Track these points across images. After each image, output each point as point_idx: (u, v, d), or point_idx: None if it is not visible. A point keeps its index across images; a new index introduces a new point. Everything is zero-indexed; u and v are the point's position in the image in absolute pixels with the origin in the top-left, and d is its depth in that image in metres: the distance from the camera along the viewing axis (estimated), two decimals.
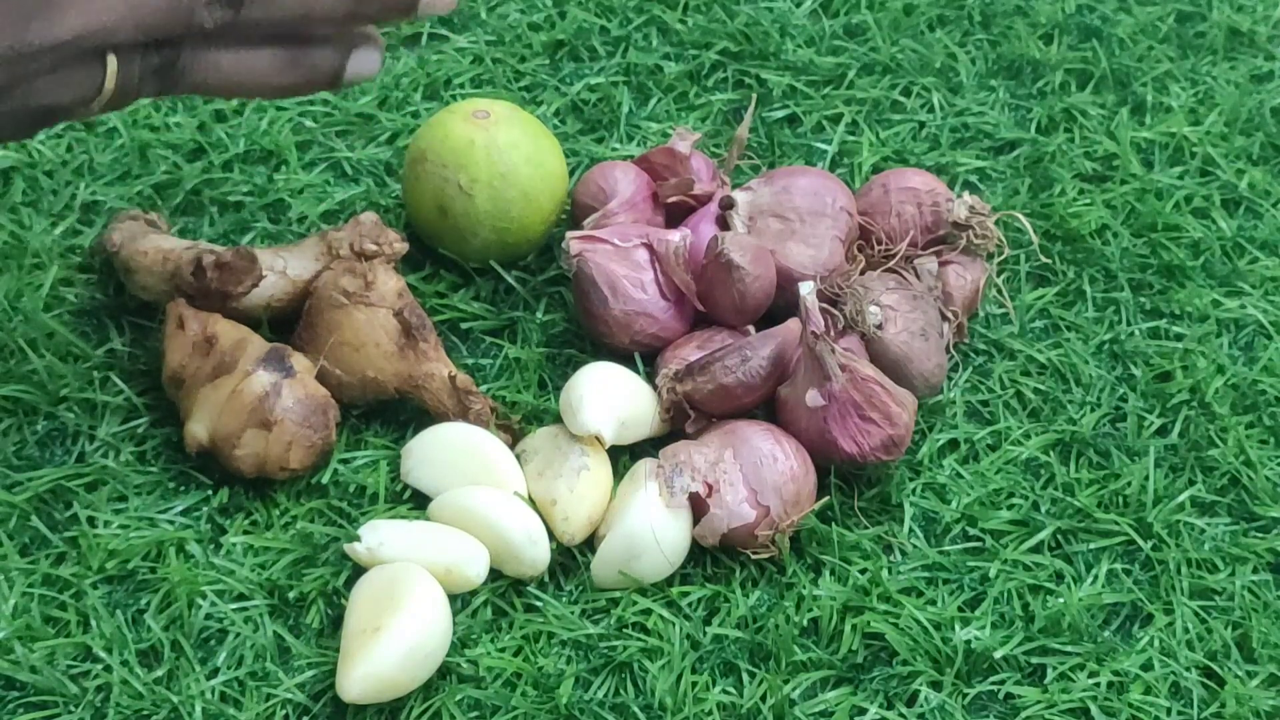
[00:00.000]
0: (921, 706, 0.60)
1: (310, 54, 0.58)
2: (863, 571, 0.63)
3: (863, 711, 0.60)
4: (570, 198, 0.74)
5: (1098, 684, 0.61)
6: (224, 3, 0.54)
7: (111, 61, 0.54)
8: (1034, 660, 0.61)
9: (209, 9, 0.54)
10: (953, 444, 0.69)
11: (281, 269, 0.68)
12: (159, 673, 0.59)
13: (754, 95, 0.83)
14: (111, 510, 0.64)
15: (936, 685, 0.60)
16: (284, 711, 0.58)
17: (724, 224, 0.72)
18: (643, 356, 0.70)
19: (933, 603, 0.63)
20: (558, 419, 0.66)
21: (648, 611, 0.62)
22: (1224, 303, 0.76)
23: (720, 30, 0.87)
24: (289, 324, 0.68)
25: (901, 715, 0.59)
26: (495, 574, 0.62)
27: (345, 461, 0.66)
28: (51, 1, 0.51)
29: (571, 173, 0.78)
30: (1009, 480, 0.68)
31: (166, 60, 0.55)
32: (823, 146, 0.82)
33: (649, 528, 0.61)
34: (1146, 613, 0.64)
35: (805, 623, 0.62)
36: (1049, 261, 0.77)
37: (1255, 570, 0.65)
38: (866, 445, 0.64)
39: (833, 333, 0.67)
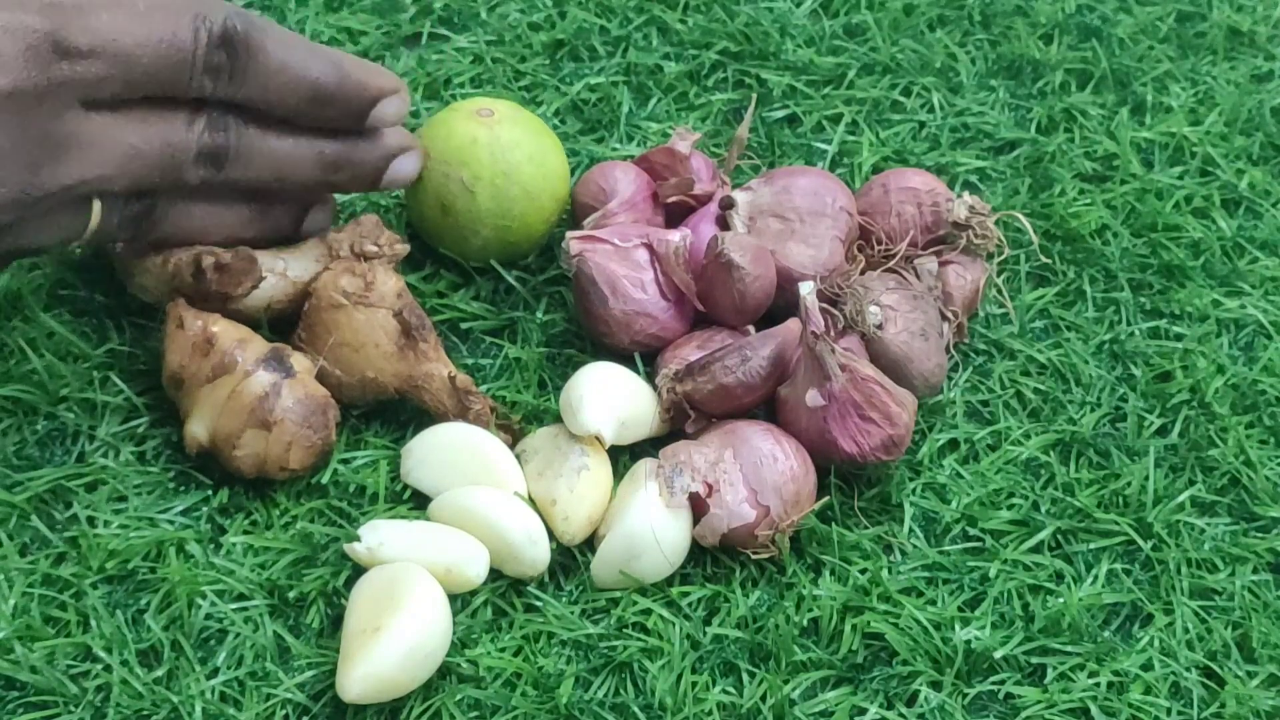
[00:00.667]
0: (921, 706, 0.60)
1: (272, 212, 0.64)
2: (863, 571, 0.63)
3: (863, 711, 0.60)
4: (570, 197, 0.74)
5: (1098, 684, 0.61)
6: (209, 162, 0.58)
7: (97, 206, 0.57)
8: (1034, 660, 0.61)
9: (195, 166, 0.58)
10: (953, 444, 0.69)
11: (281, 270, 0.68)
12: (159, 673, 0.59)
13: (754, 95, 0.83)
14: (111, 510, 0.64)
15: (936, 685, 0.60)
16: (284, 711, 0.58)
17: (724, 224, 0.72)
18: (643, 356, 0.70)
19: (933, 603, 0.63)
20: (558, 419, 0.66)
21: (648, 611, 0.62)
22: (1224, 303, 0.76)
23: (720, 30, 0.87)
24: (289, 324, 0.68)
25: (901, 715, 0.59)
26: (495, 574, 0.62)
27: (345, 461, 0.66)
28: (63, 147, 0.54)
29: (572, 172, 0.78)
30: (1009, 480, 0.68)
31: (145, 209, 0.59)
32: (823, 146, 0.82)
33: (649, 528, 0.61)
34: (1146, 613, 0.64)
35: (805, 623, 0.62)
36: (1049, 261, 0.77)
37: (1255, 570, 0.66)
38: (866, 445, 0.64)
39: (833, 333, 0.67)
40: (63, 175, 0.55)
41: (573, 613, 0.62)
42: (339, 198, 0.77)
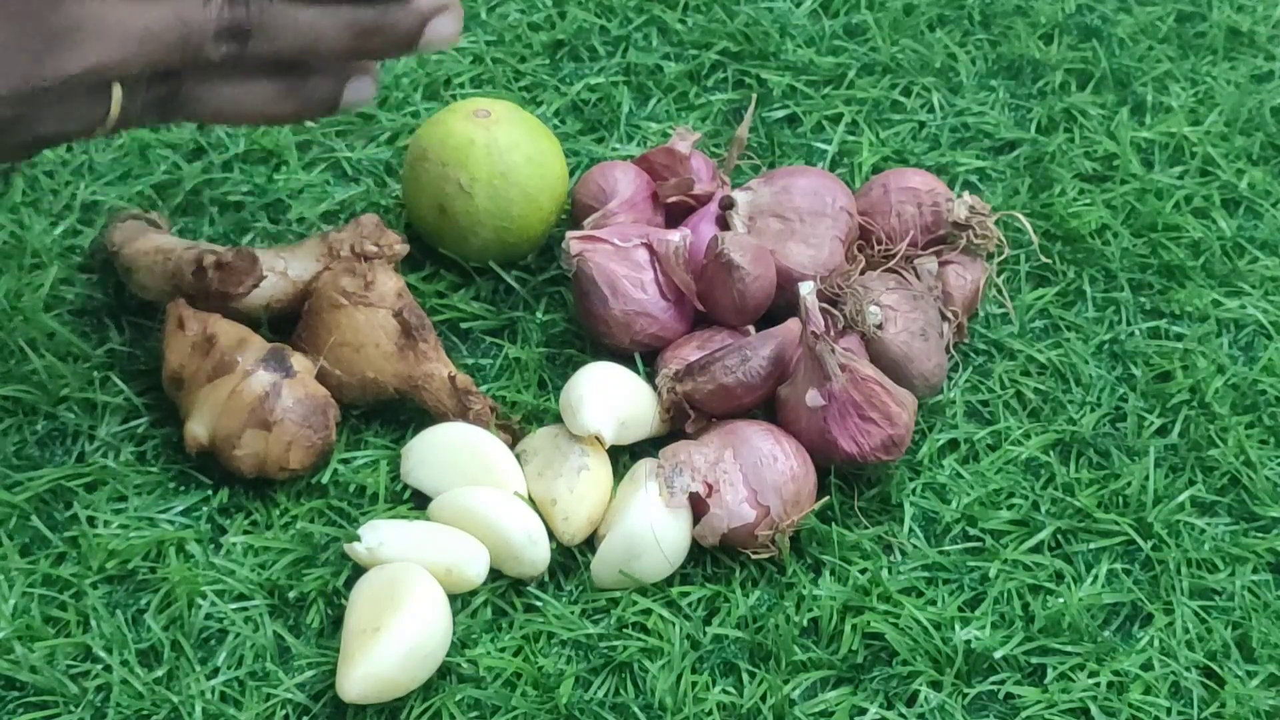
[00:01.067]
0: (921, 706, 0.60)
1: (307, 84, 0.59)
2: (863, 571, 0.63)
3: (863, 711, 0.60)
4: (570, 198, 0.74)
5: (1098, 684, 0.61)
6: (231, 38, 0.55)
7: (117, 91, 0.55)
8: (1034, 660, 0.61)
9: (216, 44, 0.55)
10: (953, 444, 0.69)
11: (282, 269, 0.68)
12: (159, 673, 0.59)
13: (754, 95, 0.83)
14: (111, 510, 0.64)
15: (936, 685, 0.60)
16: (284, 711, 0.58)
17: (724, 224, 0.72)
18: (643, 356, 0.70)
19: (933, 603, 0.63)
20: (558, 419, 0.66)
21: (648, 611, 0.62)
22: (1224, 303, 0.76)
23: (720, 30, 0.87)
24: (289, 324, 0.68)
25: (901, 715, 0.59)
26: (495, 574, 0.62)
27: (345, 461, 0.66)
28: (66, 37, 0.52)
29: (571, 173, 0.78)
30: (1009, 480, 0.68)
31: (169, 91, 0.56)
32: (823, 146, 0.82)
33: (649, 528, 0.61)
34: (1146, 613, 0.64)
35: (805, 623, 0.62)
36: (1049, 261, 0.77)
37: (1255, 570, 0.65)
38: (866, 445, 0.64)
39: (833, 333, 0.67)
40: (68, 64, 0.52)
41: (573, 613, 0.62)
42: (339, 197, 0.77)
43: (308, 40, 0.57)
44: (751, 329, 0.70)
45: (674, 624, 0.61)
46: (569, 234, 0.70)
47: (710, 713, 0.59)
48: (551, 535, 0.63)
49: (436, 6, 0.59)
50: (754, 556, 0.63)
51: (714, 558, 0.64)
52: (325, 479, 0.65)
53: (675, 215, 0.74)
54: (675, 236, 0.70)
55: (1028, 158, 0.82)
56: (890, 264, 0.71)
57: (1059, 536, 0.66)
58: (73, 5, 0.52)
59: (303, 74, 0.59)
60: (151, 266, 0.68)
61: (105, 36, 0.52)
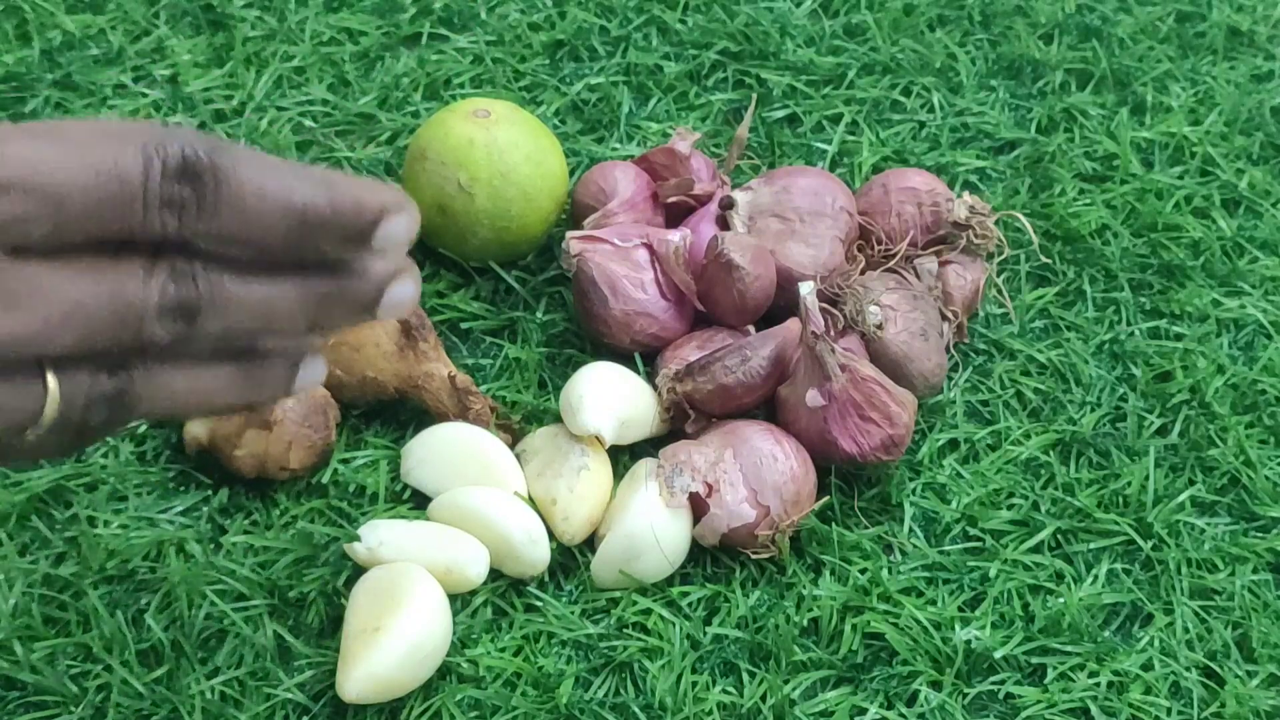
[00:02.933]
0: (921, 706, 0.60)
1: (262, 368, 0.53)
2: (863, 571, 0.63)
3: (863, 711, 0.60)
4: (570, 198, 0.74)
5: (1098, 684, 0.61)
6: (178, 316, 0.48)
7: (52, 382, 0.47)
8: (1034, 660, 0.61)
9: (161, 323, 0.48)
10: (953, 444, 0.69)
11: None
12: (159, 673, 0.59)
13: (754, 95, 0.83)
14: (111, 510, 0.64)
15: (936, 685, 0.60)
16: (284, 711, 0.58)
17: (724, 224, 0.72)
18: (643, 356, 0.70)
19: (933, 603, 0.63)
20: (558, 419, 0.66)
21: (648, 611, 0.62)
22: (1224, 303, 0.76)
23: (720, 30, 0.87)
24: None
25: (901, 715, 0.59)
26: (495, 574, 0.62)
27: (345, 461, 0.66)
28: None
29: (571, 173, 0.78)
30: (1009, 480, 0.68)
31: (118, 388, 0.49)
32: (823, 146, 0.82)
33: (649, 528, 0.61)
34: (1146, 613, 0.64)
35: (805, 623, 0.62)
36: (1049, 261, 0.77)
37: (1255, 570, 0.65)
38: (866, 445, 0.64)
39: (833, 333, 0.67)
40: None
41: (573, 613, 0.62)
42: None
43: (262, 316, 0.51)
44: (751, 329, 0.70)
45: (674, 624, 0.61)
46: (569, 234, 0.70)
47: (710, 713, 0.59)
48: (551, 535, 0.63)
49: (393, 271, 0.53)
50: (754, 556, 0.63)
51: (714, 558, 0.64)
52: (325, 479, 0.65)
53: (675, 215, 0.74)
54: (675, 236, 0.70)
55: (1028, 158, 0.82)
56: (890, 264, 0.71)
57: (1059, 536, 0.66)
58: None
59: (254, 357, 0.53)
60: None
61: (27, 307, 0.46)
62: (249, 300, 0.50)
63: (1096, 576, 0.64)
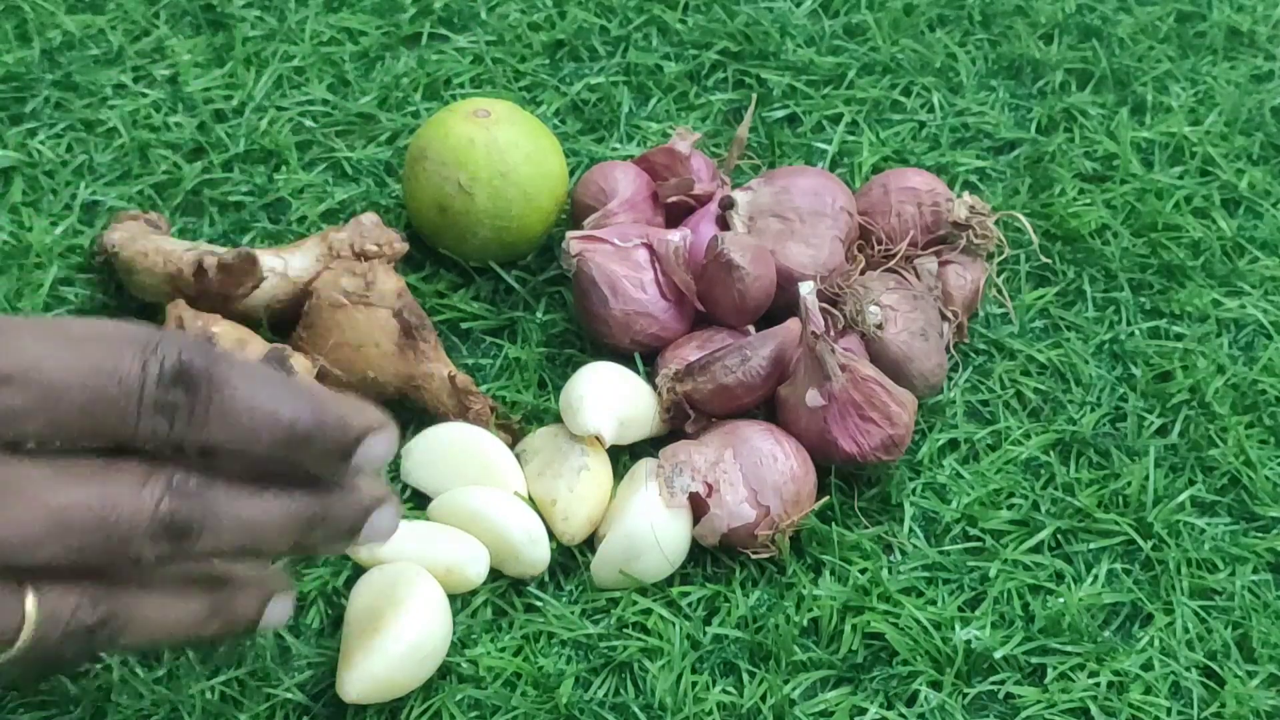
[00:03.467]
0: (921, 706, 0.60)
1: (232, 602, 0.51)
2: (863, 571, 0.63)
3: (863, 711, 0.60)
4: (570, 198, 0.74)
5: (1098, 684, 0.61)
6: (170, 535, 0.46)
7: (30, 604, 0.44)
8: (1034, 660, 0.61)
9: (151, 542, 0.45)
10: (953, 444, 0.69)
11: (282, 269, 0.68)
12: (159, 673, 0.59)
13: (754, 95, 0.83)
14: None
15: (936, 685, 0.60)
16: (284, 712, 0.58)
17: (724, 224, 0.72)
18: (643, 356, 0.70)
19: (933, 603, 0.63)
20: (558, 419, 0.66)
21: (648, 611, 0.62)
22: (1224, 303, 0.76)
23: (720, 30, 0.87)
24: (289, 324, 0.68)
25: (901, 715, 0.59)
26: (495, 574, 0.62)
27: None
28: None
29: (571, 173, 0.78)
30: (1009, 480, 0.68)
31: (102, 617, 0.46)
32: (823, 146, 0.82)
33: (649, 528, 0.61)
34: (1146, 613, 0.64)
35: (805, 623, 0.62)
36: (1049, 261, 0.77)
37: (1255, 570, 0.65)
38: (866, 445, 0.64)
39: (833, 333, 0.67)
40: None
41: (573, 613, 0.62)
42: (339, 197, 0.77)
43: (249, 536, 0.48)
44: (751, 329, 0.70)
45: (674, 624, 0.61)
46: (569, 234, 0.70)
47: (710, 713, 0.59)
48: (551, 535, 0.63)
49: (377, 499, 0.52)
50: (754, 556, 0.63)
51: (714, 558, 0.64)
52: None
53: (675, 215, 0.74)
54: (675, 236, 0.70)
55: (1028, 158, 0.82)
56: (890, 264, 0.71)
57: (1059, 536, 0.66)
58: None
59: (226, 589, 0.51)
60: (152, 267, 0.68)
61: (9, 505, 0.43)
62: (240, 517, 0.48)
63: (1096, 576, 0.64)
